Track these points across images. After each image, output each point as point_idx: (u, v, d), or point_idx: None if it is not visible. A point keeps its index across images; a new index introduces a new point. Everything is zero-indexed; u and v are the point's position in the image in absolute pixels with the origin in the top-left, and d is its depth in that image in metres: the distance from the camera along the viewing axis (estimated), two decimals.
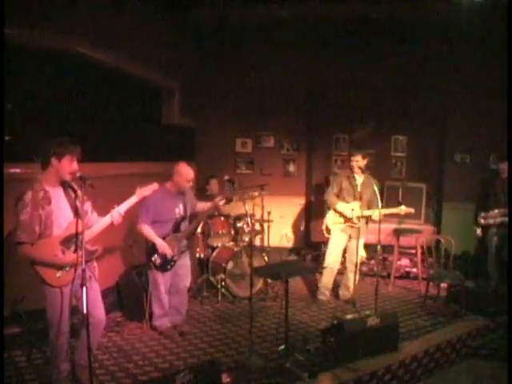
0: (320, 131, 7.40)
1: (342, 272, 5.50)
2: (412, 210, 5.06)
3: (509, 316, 4.31)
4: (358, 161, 5.05)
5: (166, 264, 4.19)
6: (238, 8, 6.39)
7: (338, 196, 5.18)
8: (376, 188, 4.79)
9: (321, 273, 5.37)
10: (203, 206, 4.58)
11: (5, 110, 3.74)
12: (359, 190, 5.10)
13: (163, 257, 4.15)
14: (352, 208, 5.08)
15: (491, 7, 5.77)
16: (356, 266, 5.12)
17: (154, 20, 5.98)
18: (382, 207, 4.80)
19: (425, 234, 6.00)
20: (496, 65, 6.41)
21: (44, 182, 3.02)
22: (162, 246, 4.09)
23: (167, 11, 6.15)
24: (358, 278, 5.25)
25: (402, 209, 5.03)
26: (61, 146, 3.00)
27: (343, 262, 5.45)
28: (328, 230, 5.23)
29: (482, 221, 5.50)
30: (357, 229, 5.08)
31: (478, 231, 5.68)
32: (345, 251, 5.28)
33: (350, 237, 5.16)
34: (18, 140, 3.95)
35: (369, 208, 5.11)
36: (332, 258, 5.18)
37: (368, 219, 5.15)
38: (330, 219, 5.21)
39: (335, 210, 5.16)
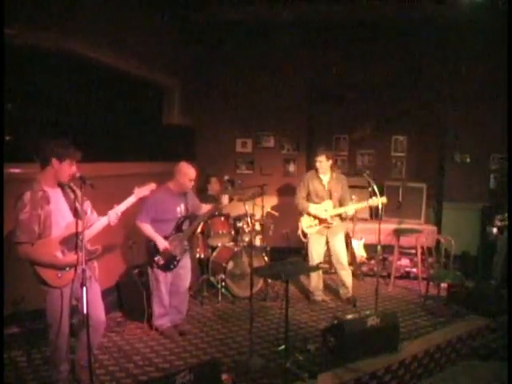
0: (320, 131, 7.39)
1: (335, 272, 5.51)
2: (384, 200, 4.76)
3: (509, 316, 4.31)
4: (322, 161, 5.00)
5: (169, 264, 4.20)
6: (239, 8, 6.39)
7: (308, 199, 5.14)
8: (376, 190, 4.65)
9: (308, 276, 5.37)
10: (206, 207, 4.58)
11: (5, 110, 3.74)
12: (327, 188, 5.10)
13: (166, 256, 4.15)
14: (325, 208, 5.05)
15: (491, 7, 5.76)
16: (344, 263, 5.16)
17: (153, 20, 5.98)
18: (354, 203, 4.84)
19: (425, 234, 6.00)
20: (496, 64, 6.41)
21: (43, 183, 3.02)
22: (162, 244, 4.10)
23: (167, 11, 6.14)
24: (348, 274, 5.25)
25: (374, 200, 4.79)
26: (63, 149, 3.01)
27: (331, 262, 5.44)
28: (304, 235, 5.19)
29: (499, 223, 5.43)
30: (333, 228, 5.09)
31: (495, 231, 5.58)
32: (328, 252, 5.27)
33: (327, 237, 5.15)
34: (18, 140, 3.95)
35: (341, 205, 5.10)
36: (314, 262, 5.14)
37: (343, 216, 5.13)
38: (305, 223, 5.17)
39: (308, 214, 5.12)
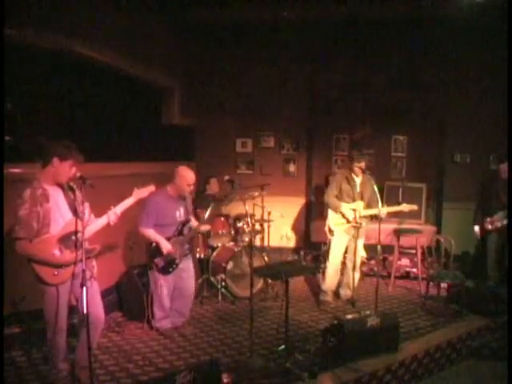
0: (320, 131, 7.39)
1: (341, 272, 5.50)
2: (415, 207, 5.05)
3: (509, 316, 4.31)
4: (363, 166, 5.01)
5: (169, 267, 4.19)
6: (238, 8, 6.39)
7: (338, 197, 5.13)
8: (375, 187, 4.77)
9: (323, 273, 5.35)
10: (194, 223, 4.50)
11: (5, 110, 3.74)
12: (359, 190, 5.11)
13: (166, 259, 4.15)
14: (355, 208, 5.05)
15: (491, 7, 5.77)
16: (356, 264, 5.14)
17: (154, 20, 5.98)
18: (383, 207, 4.81)
19: (425, 234, 6.00)
20: (496, 64, 6.42)
21: (43, 181, 3.04)
22: (166, 246, 4.09)
23: (167, 11, 6.14)
24: (358, 276, 5.25)
25: (405, 206, 5.03)
26: (65, 149, 3.03)
27: (343, 262, 5.44)
28: (331, 232, 5.18)
29: (490, 226, 5.43)
30: (361, 228, 5.08)
31: (476, 229, 5.59)
32: (345, 251, 5.26)
33: (352, 237, 5.12)
34: (18, 140, 3.95)
35: (369, 207, 5.10)
36: (335, 259, 5.16)
37: (371, 218, 5.14)
38: (333, 220, 5.16)
39: (340, 213, 5.09)
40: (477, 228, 5.59)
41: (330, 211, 5.19)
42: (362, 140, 7.23)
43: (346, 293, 5.33)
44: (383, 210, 4.90)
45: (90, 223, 3.28)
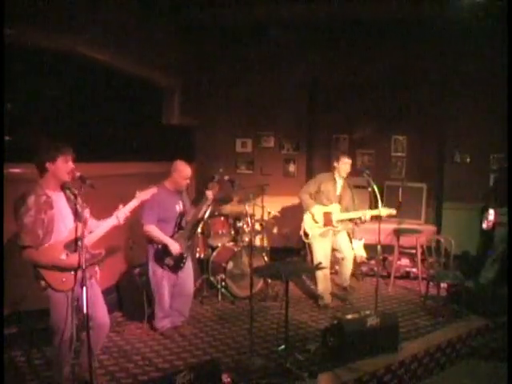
0: (320, 131, 7.39)
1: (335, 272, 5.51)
2: (393, 212, 4.84)
3: (509, 316, 4.31)
4: (350, 163, 4.96)
5: (179, 263, 4.20)
6: (238, 8, 6.38)
7: (316, 198, 5.05)
8: (377, 191, 4.62)
9: (312, 279, 5.32)
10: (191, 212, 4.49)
11: (5, 110, 3.73)
12: (339, 193, 5.05)
13: (175, 257, 4.14)
14: (331, 211, 4.97)
15: (491, 7, 5.76)
16: (349, 256, 5.14)
17: (154, 20, 5.98)
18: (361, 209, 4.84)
19: (425, 233, 6.00)
20: (496, 64, 6.41)
21: (45, 187, 3.02)
22: (173, 245, 4.08)
23: (167, 11, 6.14)
24: (350, 267, 5.24)
25: (382, 210, 4.75)
26: (52, 150, 3.00)
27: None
28: (306, 236, 5.07)
29: (488, 218, 5.43)
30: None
31: (485, 225, 5.54)
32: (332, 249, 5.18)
33: (333, 235, 5.07)
34: (18, 140, 3.95)
35: (346, 211, 5.02)
36: (322, 263, 5.08)
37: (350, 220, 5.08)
38: (308, 223, 5.06)
39: (310, 212, 5.01)
40: (485, 225, 5.50)
41: (305, 215, 5.10)
42: (362, 140, 7.24)
43: (341, 281, 5.32)
44: (359, 214, 4.89)
45: (92, 227, 3.26)
